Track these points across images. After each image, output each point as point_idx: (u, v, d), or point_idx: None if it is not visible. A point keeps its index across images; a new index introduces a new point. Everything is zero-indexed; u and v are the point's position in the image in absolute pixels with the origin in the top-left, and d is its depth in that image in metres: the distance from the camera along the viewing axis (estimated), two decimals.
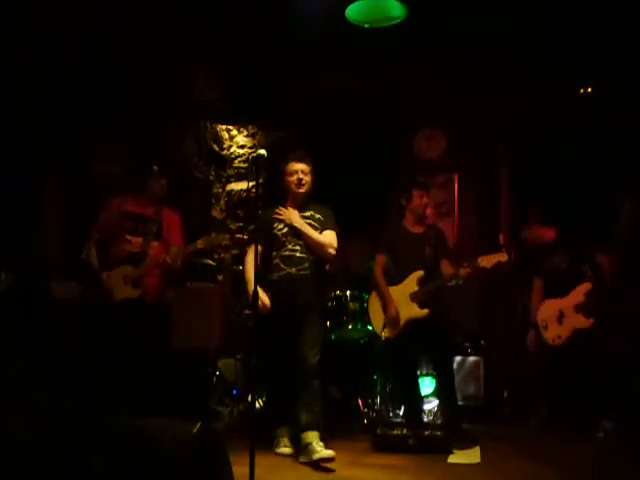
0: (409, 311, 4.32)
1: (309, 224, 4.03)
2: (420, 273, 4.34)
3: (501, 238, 5.93)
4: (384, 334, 4.37)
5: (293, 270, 3.94)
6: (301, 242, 3.98)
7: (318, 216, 4.09)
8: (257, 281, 3.19)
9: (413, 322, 4.30)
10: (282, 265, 3.95)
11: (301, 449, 3.71)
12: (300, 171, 4.05)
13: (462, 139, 6.05)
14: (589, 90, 5.55)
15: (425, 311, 4.26)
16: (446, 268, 4.37)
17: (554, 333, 4.60)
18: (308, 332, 3.89)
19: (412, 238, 4.49)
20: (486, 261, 4.11)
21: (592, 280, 4.52)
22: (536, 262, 4.91)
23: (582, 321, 4.47)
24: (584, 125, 5.41)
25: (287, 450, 3.87)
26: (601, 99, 5.43)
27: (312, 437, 3.67)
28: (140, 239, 4.19)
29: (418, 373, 4.78)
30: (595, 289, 4.49)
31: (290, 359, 3.88)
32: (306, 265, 3.96)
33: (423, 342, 4.36)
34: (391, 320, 4.32)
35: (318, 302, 4.08)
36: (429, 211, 4.94)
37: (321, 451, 3.55)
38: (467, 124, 5.91)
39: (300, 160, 4.09)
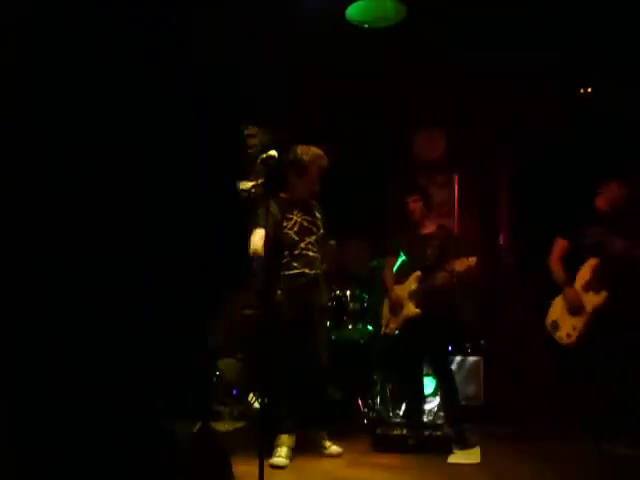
0: (406, 309, 4.36)
1: (317, 225, 3.95)
2: (418, 273, 4.36)
3: (501, 238, 5.94)
4: (384, 329, 4.49)
5: (307, 270, 3.81)
6: (312, 240, 3.87)
7: (320, 217, 4.01)
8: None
9: (410, 320, 4.34)
10: (295, 264, 3.79)
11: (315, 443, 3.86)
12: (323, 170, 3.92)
13: (462, 139, 6.05)
14: (589, 90, 5.55)
15: (417, 310, 4.30)
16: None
17: (568, 327, 4.10)
18: (320, 333, 3.85)
19: (418, 238, 4.49)
20: (458, 265, 4.09)
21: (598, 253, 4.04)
22: None
23: (595, 298, 4.01)
24: (584, 125, 5.41)
25: (282, 461, 3.56)
26: (601, 99, 5.43)
27: (323, 435, 3.87)
28: None
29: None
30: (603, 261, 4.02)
31: (301, 361, 3.77)
32: (317, 264, 3.87)
33: (422, 340, 4.36)
34: (394, 305, 4.41)
35: (326, 303, 4.03)
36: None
37: (330, 447, 3.82)
38: (467, 124, 5.92)
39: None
